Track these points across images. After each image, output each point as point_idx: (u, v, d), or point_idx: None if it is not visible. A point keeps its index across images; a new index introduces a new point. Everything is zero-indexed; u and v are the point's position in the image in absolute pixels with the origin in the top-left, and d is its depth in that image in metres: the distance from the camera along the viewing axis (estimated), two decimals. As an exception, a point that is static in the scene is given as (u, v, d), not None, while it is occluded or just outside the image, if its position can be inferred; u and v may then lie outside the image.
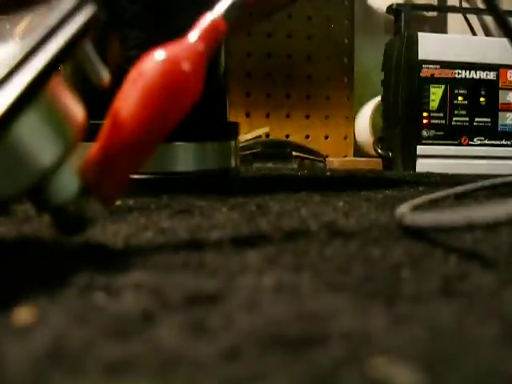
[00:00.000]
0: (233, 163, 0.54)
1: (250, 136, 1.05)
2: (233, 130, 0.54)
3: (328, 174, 0.81)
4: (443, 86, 0.96)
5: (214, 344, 0.15)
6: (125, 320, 0.17)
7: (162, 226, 0.32)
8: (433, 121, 0.97)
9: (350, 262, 0.24)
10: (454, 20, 1.28)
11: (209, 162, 0.51)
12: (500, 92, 0.98)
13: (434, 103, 0.96)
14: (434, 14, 1.24)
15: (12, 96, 0.23)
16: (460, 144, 0.97)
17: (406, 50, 0.96)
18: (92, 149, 0.28)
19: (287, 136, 1.16)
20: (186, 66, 0.28)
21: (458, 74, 0.97)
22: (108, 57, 0.48)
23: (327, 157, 1.11)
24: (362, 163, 1.06)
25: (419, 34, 0.97)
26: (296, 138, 1.15)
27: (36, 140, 0.24)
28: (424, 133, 0.96)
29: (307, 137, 1.17)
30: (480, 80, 0.97)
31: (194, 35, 0.30)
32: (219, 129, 0.53)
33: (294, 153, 0.99)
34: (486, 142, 0.98)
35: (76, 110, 0.27)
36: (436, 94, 0.96)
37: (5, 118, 0.22)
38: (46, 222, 0.28)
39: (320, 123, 1.18)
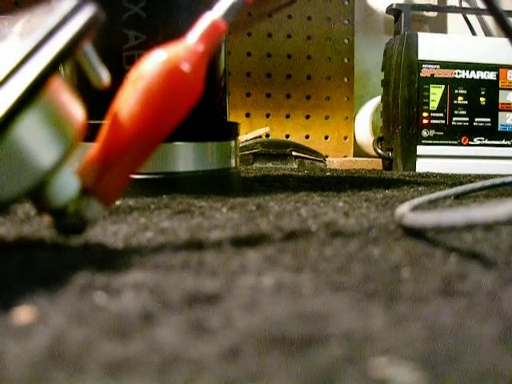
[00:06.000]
0: (233, 163, 0.54)
1: (250, 136, 1.05)
2: (233, 130, 0.54)
3: (328, 173, 0.81)
4: (443, 86, 0.96)
5: (214, 344, 0.15)
6: (125, 320, 0.17)
7: (161, 226, 0.32)
8: (433, 121, 0.97)
9: (350, 262, 0.24)
10: (454, 20, 1.28)
11: (209, 161, 0.51)
12: (500, 92, 0.98)
13: (434, 103, 0.96)
14: (434, 14, 1.24)
15: (12, 97, 0.23)
16: (460, 144, 0.97)
17: (405, 50, 0.96)
18: (92, 149, 0.28)
19: (287, 136, 1.16)
20: (185, 67, 0.28)
21: (458, 73, 0.97)
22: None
23: (327, 157, 1.11)
24: (362, 163, 1.06)
25: (419, 33, 0.97)
26: (296, 138, 1.15)
27: (36, 141, 0.24)
28: (424, 133, 0.96)
29: (307, 137, 1.17)
30: (480, 80, 0.97)
31: (193, 35, 0.30)
32: (219, 129, 0.53)
33: (294, 153, 0.99)
34: (486, 142, 0.98)
35: (76, 110, 0.27)
36: (436, 94, 0.96)
37: (5, 118, 0.22)
38: (46, 222, 0.28)
39: (320, 123, 1.18)
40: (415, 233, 0.30)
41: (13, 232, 0.30)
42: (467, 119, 0.97)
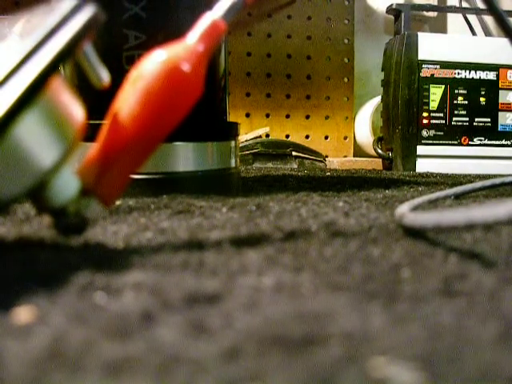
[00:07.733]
0: (233, 163, 0.54)
1: (250, 136, 1.05)
2: (233, 130, 0.54)
3: (328, 173, 0.81)
4: (443, 86, 0.96)
5: (214, 344, 0.15)
6: (125, 320, 0.17)
7: (161, 226, 0.32)
8: (433, 121, 0.97)
9: (349, 262, 0.24)
10: (454, 20, 1.28)
11: (209, 161, 0.51)
12: (500, 92, 0.98)
13: (434, 103, 0.96)
14: (434, 14, 1.24)
15: (12, 97, 0.23)
16: (460, 144, 0.97)
17: (405, 50, 0.96)
18: (92, 149, 0.28)
19: (287, 136, 1.16)
20: (186, 67, 0.28)
21: (458, 74, 0.97)
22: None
23: (327, 157, 1.11)
24: (362, 163, 1.06)
25: (419, 33, 0.97)
26: (296, 138, 1.15)
27: (36, 141, 0.24)
28: (424, 133, 0.96)
29: (307, 137, 1.17)
30: (480, 80, 0.97)
31: (193, 35, 0.30)
32: (219, 129, 0.53)
33: (294, 153, 0.99)
34: (486, 142, 0.98)
35: (76, 110, 0.27)
36: (436, 94, 0.96)
37: (5, 118, 0.22)
38: (46, 222, 0.28)
39: (320, 123, 1.18)
40: (415, 233, 0.30)
41: (13, 232, 0.30)
42: (467, 119, 0.97)
